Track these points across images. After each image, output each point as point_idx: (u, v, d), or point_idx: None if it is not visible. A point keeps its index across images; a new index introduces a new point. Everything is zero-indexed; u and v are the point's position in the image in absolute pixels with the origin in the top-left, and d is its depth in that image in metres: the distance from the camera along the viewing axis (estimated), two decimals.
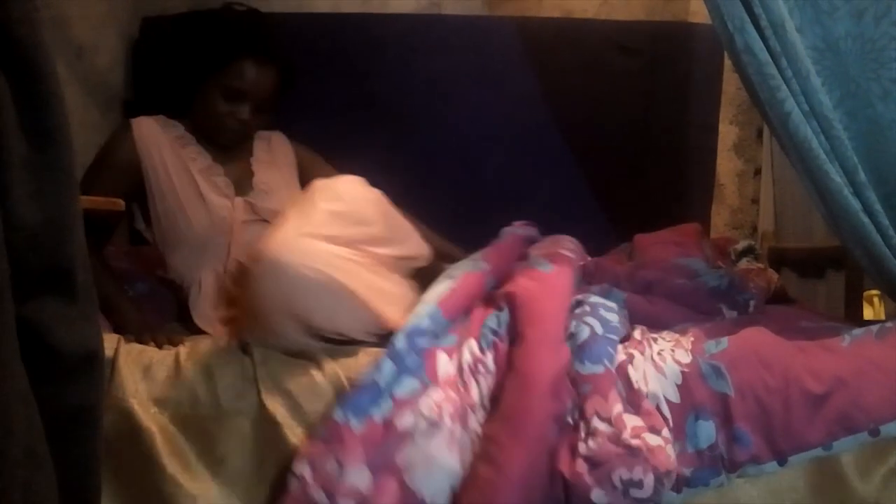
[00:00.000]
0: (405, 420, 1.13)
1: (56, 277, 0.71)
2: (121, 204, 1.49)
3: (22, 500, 0.64)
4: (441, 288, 1.36)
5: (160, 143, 1.63)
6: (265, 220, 1.59)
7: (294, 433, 1.19)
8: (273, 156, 1.76)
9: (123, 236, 2.00)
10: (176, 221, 1.59)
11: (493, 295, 1.38)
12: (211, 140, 1.67)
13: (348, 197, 1.34)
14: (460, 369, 1.22)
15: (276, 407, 1.20)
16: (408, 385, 1.17)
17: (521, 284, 1.36)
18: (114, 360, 1.24)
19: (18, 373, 0.66)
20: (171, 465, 1.18)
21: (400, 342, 1.22)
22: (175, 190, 1.59)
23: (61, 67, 0.75)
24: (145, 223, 1.67)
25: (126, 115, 2.22)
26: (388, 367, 1.19)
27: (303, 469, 1.11)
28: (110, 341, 1.29)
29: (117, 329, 1.42)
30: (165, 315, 1.64)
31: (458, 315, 1.32)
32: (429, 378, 1.19)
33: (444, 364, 1.22)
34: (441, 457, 1.11)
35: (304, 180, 1.76)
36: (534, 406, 1.12)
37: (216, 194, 1.61)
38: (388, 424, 1.13)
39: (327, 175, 1.77)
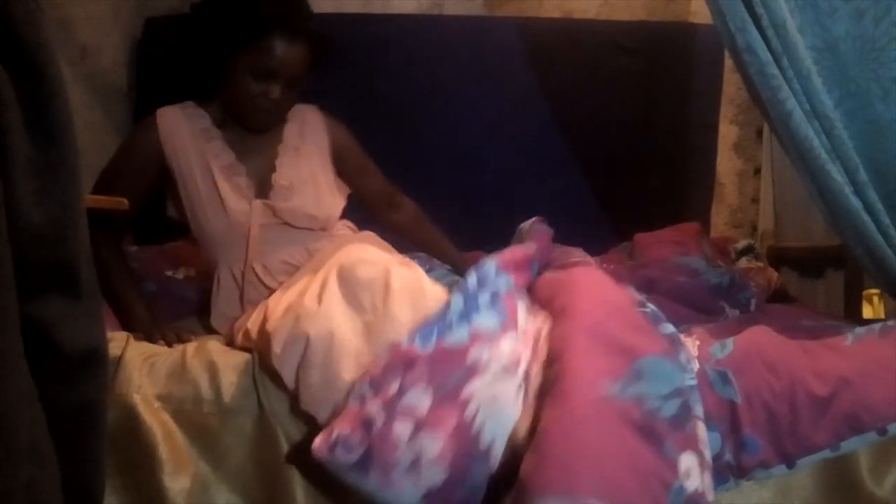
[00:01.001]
0: (480, 354, 1.10)
1: (60, 275, 0.72)
2: (125, 203, 1.49)
3: (25, 498, 0.65)
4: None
5: (183, 136, 1.58)
6: (285, 222, 1.55)
7: (292, 433, 1.19)
8: (303, 140, 1.66)
9: (129, 237, 2.00)
10: (196, 217, 1.56)
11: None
12: (241, 124, 1.60)
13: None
14: (539, 333, 1.19)
15: (275, 407, 1.20)
16: (488, 321, 1.14)
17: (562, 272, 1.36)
18: (119, 356, 1.25)
19: (23, 370, 0.66)
20: (171, 461, 1.18)
21: (471, 281, 1.19)
22: (196, 187, 1.56)
23: (65, 67, 0.75)
24: (175, 209, 1.62)
25: (138, 104, 2.21)
26: (460, 302, 1.15)
27: (363, 388, 1.09)
28: (119, 339, 1.29)
29: (126, 327, 1.43)
30: (174, 314, 1.64)
31: (513, 271, 1.28)
32: (510, 319, 1.16)
33: (523, 315, 1.20)
34: (508, 401, 1.08)
35: (339, 167, 1.69)
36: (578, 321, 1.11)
37: (235, 196, 1.55)
38: (457, 353, 1.10)
39: (362, 166, 1.71)
